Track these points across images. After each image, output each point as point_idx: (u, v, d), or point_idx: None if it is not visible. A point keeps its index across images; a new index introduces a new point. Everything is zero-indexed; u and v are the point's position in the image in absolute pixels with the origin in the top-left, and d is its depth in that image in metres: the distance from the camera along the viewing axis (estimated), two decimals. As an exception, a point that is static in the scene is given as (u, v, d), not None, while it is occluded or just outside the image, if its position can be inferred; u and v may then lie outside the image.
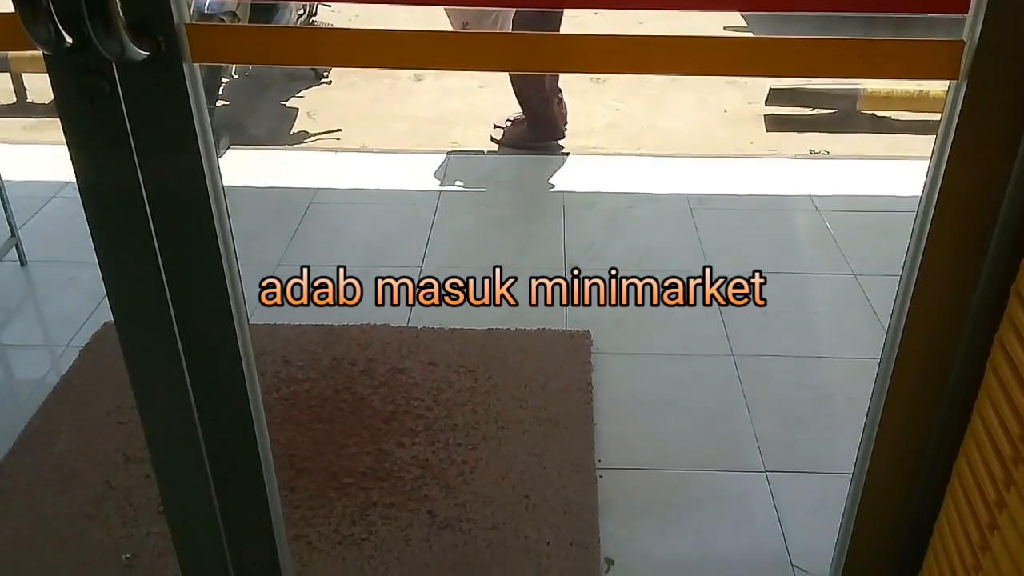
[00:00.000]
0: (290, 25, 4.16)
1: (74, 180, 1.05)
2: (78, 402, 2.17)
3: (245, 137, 4.10)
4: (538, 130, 3.66)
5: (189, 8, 0.99)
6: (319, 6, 4.77)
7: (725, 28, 4.72)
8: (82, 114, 1.01)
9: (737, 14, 4.92)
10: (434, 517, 1.85)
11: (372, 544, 1.79)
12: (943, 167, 1.03)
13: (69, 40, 0.93)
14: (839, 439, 2.06)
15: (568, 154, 3.63)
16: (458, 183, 3.35)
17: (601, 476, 1.96)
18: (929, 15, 0.98)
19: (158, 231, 1.08)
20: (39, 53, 0.95)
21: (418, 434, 2.06)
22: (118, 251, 1.10)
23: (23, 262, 2.74)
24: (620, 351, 2.38)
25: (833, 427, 2.11)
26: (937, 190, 1.04)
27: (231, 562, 1.35)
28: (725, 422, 2.14)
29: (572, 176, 3.42)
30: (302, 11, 4.55)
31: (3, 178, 2.62)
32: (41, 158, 3.36)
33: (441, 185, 3.29)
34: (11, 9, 0.89)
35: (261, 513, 1.31)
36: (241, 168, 3.39)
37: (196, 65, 1.00)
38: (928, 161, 1.06)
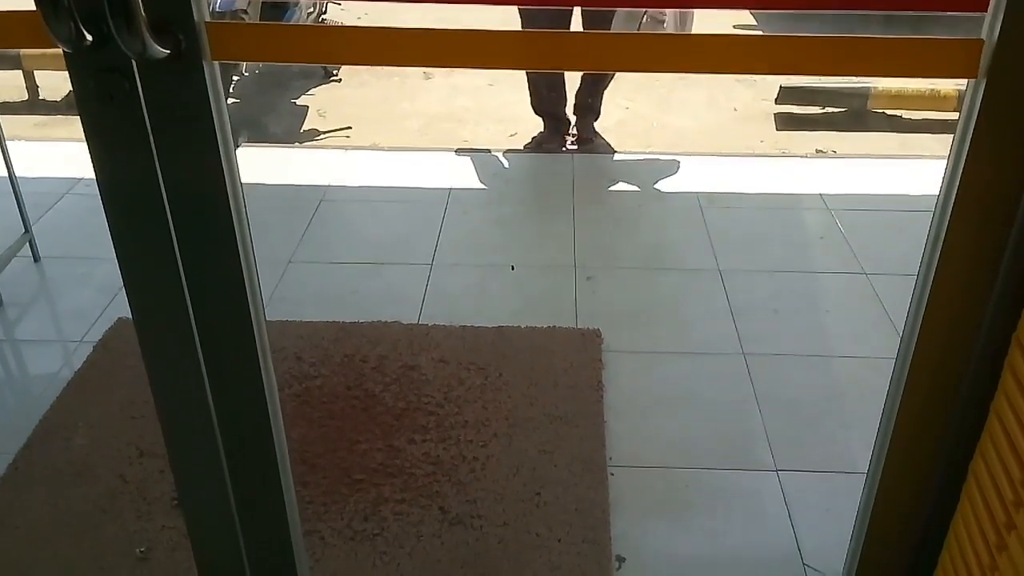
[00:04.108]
0: (302, 24, 4.17)
1: (87, 176, 1.06)
2: (92, 397, 2.18)
3: (256, 134, 4.12)
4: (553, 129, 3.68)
5: (209, 6, 0.99)
6: (329, 5, 4.79)
7: (734, 27, 4.72)
8: (102, 112, 1.01)
9: (747, 12, 4.92)
10: (445, 513, 1.86)
11: (384, 540, 1.80)
12: (961, 166, 1.02)
13: (89, 38, 0.93)
14: (851, 438, 2.06)
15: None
16: (468, 181, 3.35)
17: (612, 474, 1.97)
18: (949, 13, 0.98)
19: (177, 228, 1.08)
20: (51, 50, 0.95)
21: (429, 431, 2.07)
22: (137, 248, 1.11)
23: (36, 258, 2.75)
24: (631, 349, 2.38)
25: (845, 426, 2.10)
26: (955, 189, 1.03)
27: (246, 556, 1.36)
28: (736, 420, 2.14)
29: (581, 174, 3.42)
30: (312, 10, 4.57)
31: (16, 174, 2.63)
32: (54, 155, 3.37)
33: (453, 183, 3.29)
34: (32, 7, 0.90)
35: (277, 508, 1.32)
36: (252, 165, 3.40)
37: (215, 63, 1.00)
38: (945, 160, 1.06)
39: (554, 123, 3.68)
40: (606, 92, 3.65)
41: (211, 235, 1.09)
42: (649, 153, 3.69)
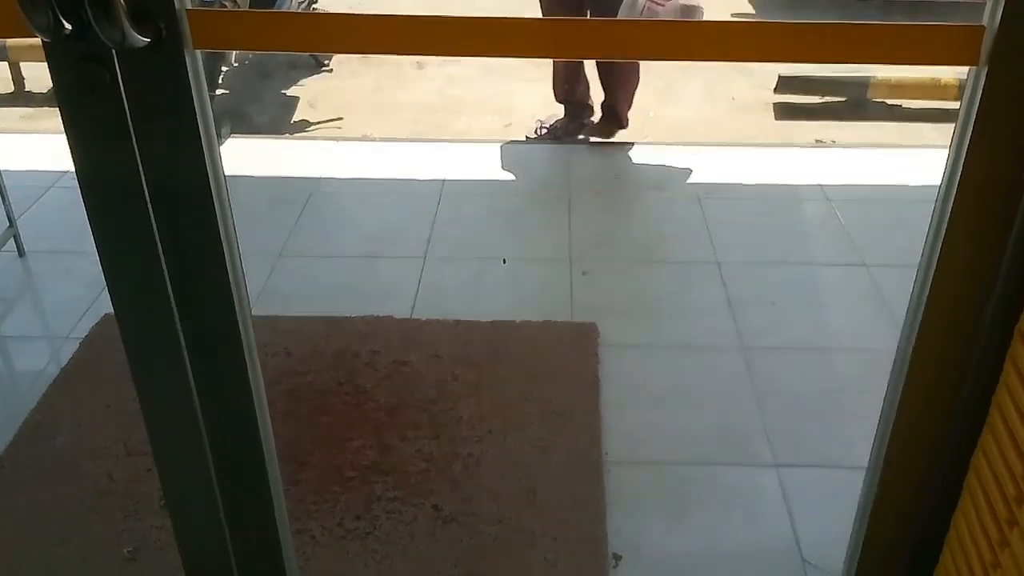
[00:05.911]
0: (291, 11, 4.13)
1: (73, 169, 1.03)
2: (78, 394, 2.15)
3: (245, 126, 4.08)
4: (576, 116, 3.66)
5: (193, -6, 0.96)
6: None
7: (732, 15, 4.68)
8: (82, 103, 0.98)
9: (745, 0, 4.88)
10: (439, 511, 1.83)
11: (376, 538, 1.77)
12: (963, 155, 1.00)
13: (68, 27, 0.90)
14: (850, 432, 2.04)
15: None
16: (462, 172, 3.32)
17: (608, 470, 1.94)
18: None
19: (159, 222, 1.05)
20: (37, 41, 0.93)
21: (422, 427, 2.04)
22: (118, 242, 1.08)
23: (22, 252, 2.72)
24: (627, 343, 2.35)
25: (844, 420, 2.08)
26: (956, 179, 1.01)
27: (234, 556, 1.33)
28: (734, 415, 2.11)
29: (577, 166, 3.39)
30: (303, -2, 4.52)
31: (1, 168, 2.60)
32: (39, 147, 3.33)
33: (446, 174, 3.26)
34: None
35: (264, 507, 1.30)
36: (241, 157, 3.36)
37: (197, 52, 0.97)
38: (946, 149, 1.04)
39: (574, 110, 3.65)
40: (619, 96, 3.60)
41: (194, 228, 1.06)
42: (647, 144, 3.66)
